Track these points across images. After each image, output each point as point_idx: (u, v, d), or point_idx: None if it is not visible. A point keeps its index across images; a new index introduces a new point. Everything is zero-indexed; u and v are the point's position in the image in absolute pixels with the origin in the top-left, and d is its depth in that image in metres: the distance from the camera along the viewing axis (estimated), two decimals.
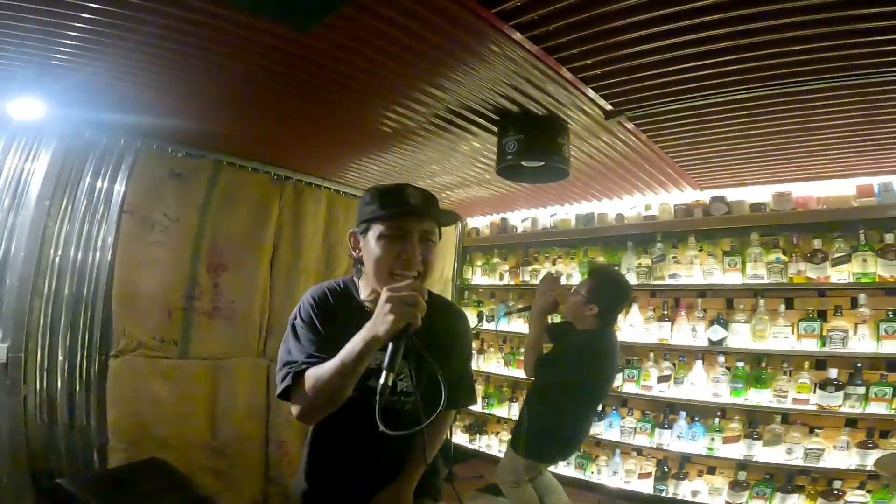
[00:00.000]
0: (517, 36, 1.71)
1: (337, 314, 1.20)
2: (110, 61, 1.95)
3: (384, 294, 1.00)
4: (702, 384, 2.96)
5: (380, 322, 0.99)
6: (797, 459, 2.65)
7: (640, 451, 3.21)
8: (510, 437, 2.57)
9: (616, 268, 3.21)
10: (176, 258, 2.72)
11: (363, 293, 1.25)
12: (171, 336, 2.70)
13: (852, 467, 2.51)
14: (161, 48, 1.85)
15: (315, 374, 1.08)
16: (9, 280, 2.36)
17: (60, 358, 2.48)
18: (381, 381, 0.97)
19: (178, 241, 2.73)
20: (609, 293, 2.29)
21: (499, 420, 3.85)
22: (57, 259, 2.48)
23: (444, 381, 1.10)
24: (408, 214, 1.12)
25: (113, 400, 2.52)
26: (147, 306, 2.61)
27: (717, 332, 2.89)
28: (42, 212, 2.44)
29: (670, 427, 3.05)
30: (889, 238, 2.50)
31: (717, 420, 2.92)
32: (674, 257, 3.12)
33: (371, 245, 1.13)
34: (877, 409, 2.47)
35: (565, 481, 3.42)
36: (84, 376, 2.53)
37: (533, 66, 1.88)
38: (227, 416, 2.87)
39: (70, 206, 2.53)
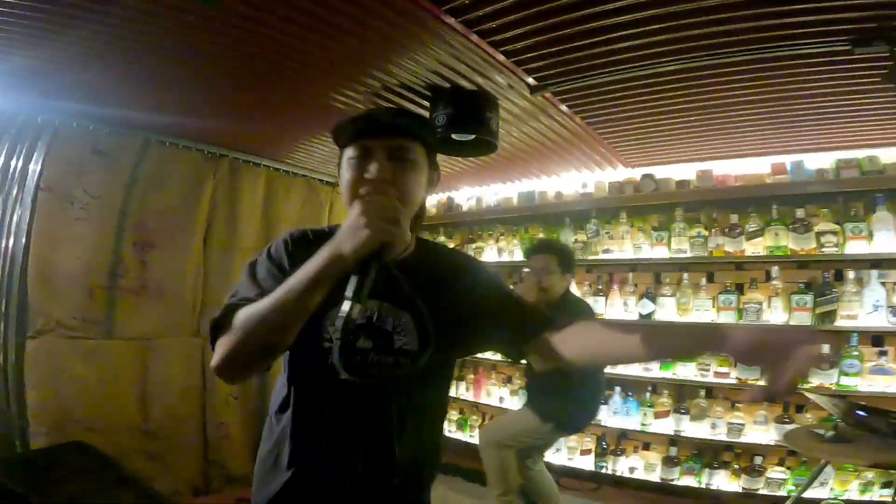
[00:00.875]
0: (440, 13, 1.71)
1: (303, 255, 0.92)
2: (25, 43, 1.89)
3: (355, 205, 0.82)
4: None
5: (347, 237, 0.79)
6: (721, 434, 2.72)
7: None
8: (533, 402, 2.51)
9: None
10: (98, 236, 2.65)
11: None
12: (94, 316, 2.63)
13: (771, 443, 2.58)
14: (81, 28, 1.79)
15: (249, 308, 0.84)
16: None
17: None
18: (345, 311, 0.78)
19: (101, 218, 2.65)
20: (572, 257, 2.58)
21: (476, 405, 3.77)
22: None
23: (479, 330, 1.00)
24: (371, 130, 0.94)
25: (32, 382, 2.44)
26: (66, 285, 2.54)
27: (646, 306, 2.98)
28: None
29: (606, 403, 3.09)
30: (800, 213, 2.60)
31: (648, 395, 2.98)
32: (607, 233, 3.20)
33: (342, 173, 0.97)
34: None
35: None
36: (1, 360, 2.43)
37: (458, 43, 1.89)
38: (160, 398, 2.82)
39: None
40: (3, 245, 2.46)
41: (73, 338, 2.55)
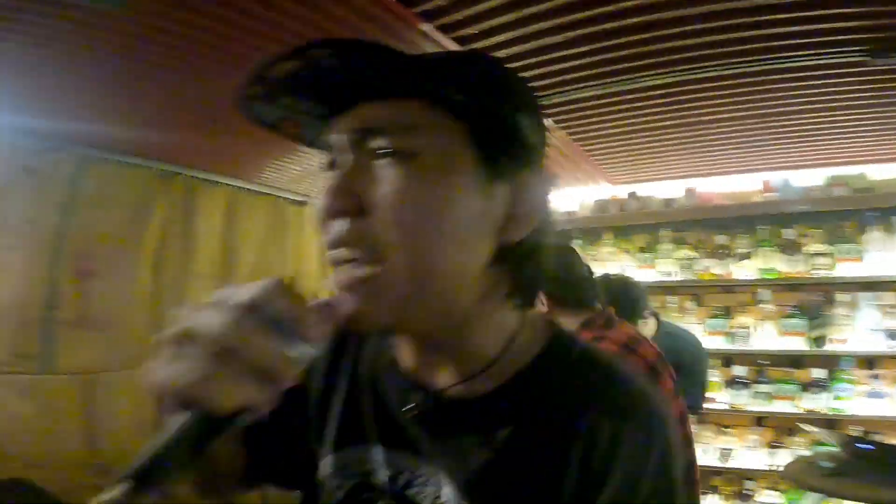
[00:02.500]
0: (415, 18, 1.60)
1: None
2: None
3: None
4: None
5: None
6: (711, 459, 2.64)
7: None
8: None
9: None
10: (30, 264, 2.39)
11: None
12: (27, 350, 2.38)
13: (762, 467, 2.53)
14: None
15: None
16: None
17: None
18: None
19: (33, 245, 2.40)
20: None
21: None
22: None
23: None
24: (304, 106, 0.47)
25: None
26: None
27: None
28: None
29: None
30: (789, 233, 2.53)
31: None
32: (592, 255, 3.07)
33: None
34: (782, 406, 2.49)
35: None
36: None
37: (432, 50, 1.74)
38: (110, 432, 2.58)
39: None
40: None
41: (4, 373, 2.32)
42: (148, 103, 2.19)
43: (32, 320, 2.40)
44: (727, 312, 2.69)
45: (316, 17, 1.58)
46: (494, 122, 0.44)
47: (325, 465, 0.55)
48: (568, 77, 1.93)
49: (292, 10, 1.54)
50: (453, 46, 1.76)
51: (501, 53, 1.79)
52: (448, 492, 0.48)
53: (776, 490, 2.51)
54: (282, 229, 3.37)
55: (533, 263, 0.49)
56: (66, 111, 2.22)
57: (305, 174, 3.07)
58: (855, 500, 2.16)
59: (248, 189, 3.21)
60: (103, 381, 2.61)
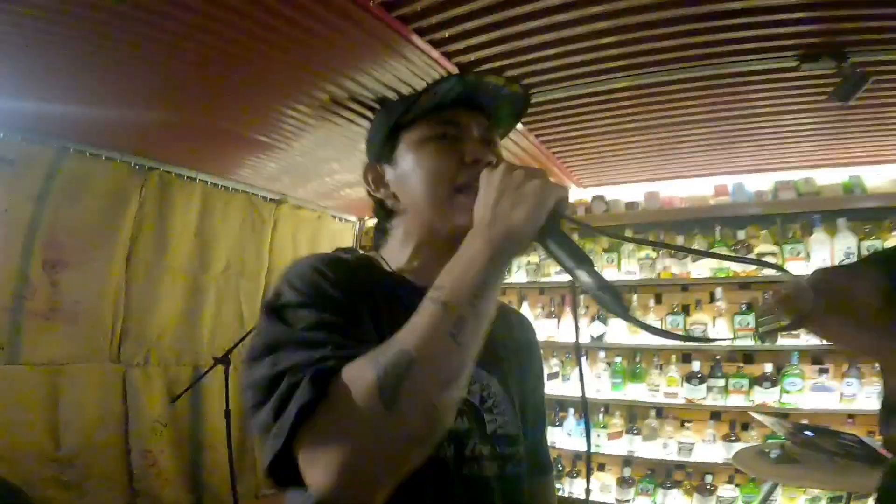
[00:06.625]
0: (405, 30, 1.68)
1: (361, 290, 0.68)
2: None
3: (489, 173, 0.61)
4: (586, 380, 3.00)
5: (508, 205, 0.58)
6: (672, 454, 2.73)
7: None
8: None
9: None
10: (1, 253, 2.37)
11: (398, 262, 0.79)
12: None
13: (720, 461, 2.60)
14: None
15: (374, 361, 0.53)
16: None
17: None
18: (587, 281, 0.56)
19: (6, 234, 2.39)
20: None
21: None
22: None
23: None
24: (467, 102, 0.76)
25: None
26: None
27: (597, 328, 2.96)
28: None
29: (561, 425, 3.05)
30: (741, 234, 2.66)
31: (601, 416, 2.95)
32: None
33: (411, 160, 0.75)
34: (736, 400, 2.59)
35: None
36: None
37: (416, 56, 1.84)
38: (74, 426, 2.56)
39: None
40: None
41: None
42: (126, 97, 2.20)
43: (1, 310, 2.37)
44: (685, 310, 2.80)
45: (315, 24, 1.64)
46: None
47: None
48: (537, 79, 2.02)
49: (273, 10, 1.59)
50: (430, 51, 1.85)
51: (474, 56, 1.88)
52: (493, 383, 0.76)
53: (732, 484, 2.57)
54: (258, 225, 3.39)
55: None
56: (44, 101, 2.21)
57: (280, 171, 3.11)
58: (801, 486, 2.29)
59: (223, 186, 3.23)
60: (70, 374, 2.58)
